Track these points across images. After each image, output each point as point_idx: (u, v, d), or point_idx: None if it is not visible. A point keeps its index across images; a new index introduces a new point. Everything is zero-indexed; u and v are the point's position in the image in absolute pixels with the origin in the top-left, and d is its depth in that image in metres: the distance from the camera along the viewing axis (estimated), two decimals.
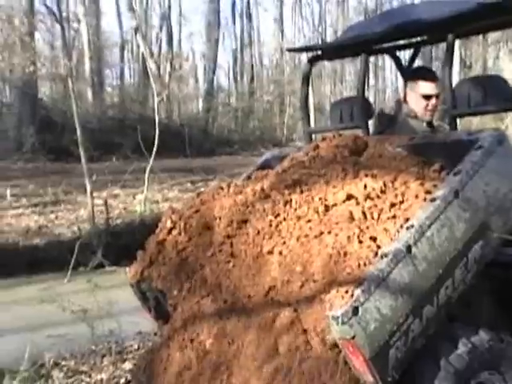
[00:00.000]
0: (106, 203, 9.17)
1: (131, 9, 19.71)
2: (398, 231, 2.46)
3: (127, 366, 4.24)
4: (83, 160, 8.92)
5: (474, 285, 2.62)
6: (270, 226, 2.86)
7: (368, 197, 2.66)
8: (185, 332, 3.13)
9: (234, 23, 29.59)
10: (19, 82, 15.85)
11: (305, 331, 2.55)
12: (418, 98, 3.52)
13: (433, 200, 2.49)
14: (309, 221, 2.75)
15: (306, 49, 4.61)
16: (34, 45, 13.97)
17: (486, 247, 2.58)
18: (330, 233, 2.62)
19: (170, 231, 3.34)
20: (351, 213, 2.63)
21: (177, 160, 16.72)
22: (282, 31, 30.96)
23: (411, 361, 2.43)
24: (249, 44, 29.80)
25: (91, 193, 8.77)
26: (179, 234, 3.28)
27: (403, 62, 4.40)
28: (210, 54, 24.13)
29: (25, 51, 12.65)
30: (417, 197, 2.57)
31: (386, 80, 33.16)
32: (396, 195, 2.62)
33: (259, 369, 2.64)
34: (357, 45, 3.71)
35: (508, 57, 15.01)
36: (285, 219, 2.85)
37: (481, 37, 15.46)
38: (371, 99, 23.26)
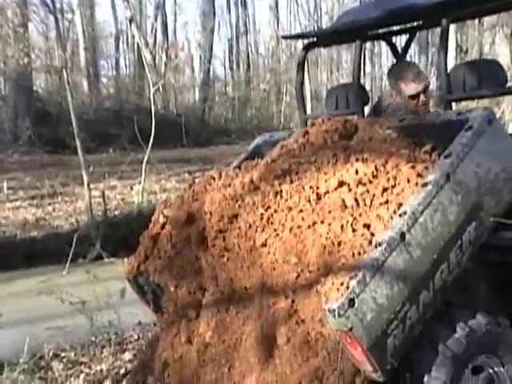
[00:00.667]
0: (103, 195, 9.15)
1: None
2: (392, 217, 2.45)
3: (127, 356, 4.25)
4: (80, 152, 8.87)
5: (470, 269, 2.63)
6: (262, 219, 2.83)
7: (360, 182, 2.65)
8: (184, 325, 3.14)
9: (229, 12, 29.43)
10: (14, 74, 15.75)
11: (303, 321, 2.56)
12: (406, 98, 3.49)
13: (424, 185, 2.48)
14: (301, 211, 2.73)
15: (302, 36, 4.59)
16: (27, 36, 13.86)
17: (479, 228, 2.58)
18: (323, 222, 2.61)
19: (163, 226, 3.34)
20: (343, 200, 2.61)
21: (174, 150, 16.68)
22: (278, 19, 30.77)
23: (409, 348, 2.44)
24: (244, 32, 29.60)
25: (88, 184, 8.73)
26: (172, 228, 3.27)
27: (399, 49, 4.38)
28: (205, 44, 24.01)
29: (18, 43, 12.54)
30: (409, 180, 2.56)
31: (382, 67, 32.97)
32: (388, 179, 2.60)
33: (259, 360, 2.66)
34: (351, 31, 3.69)
35: (504, 41, 14.93)
36: (276, 211, 2.82)
37: (476, 22, 15.39)
38: (368, 86, 23.17)
